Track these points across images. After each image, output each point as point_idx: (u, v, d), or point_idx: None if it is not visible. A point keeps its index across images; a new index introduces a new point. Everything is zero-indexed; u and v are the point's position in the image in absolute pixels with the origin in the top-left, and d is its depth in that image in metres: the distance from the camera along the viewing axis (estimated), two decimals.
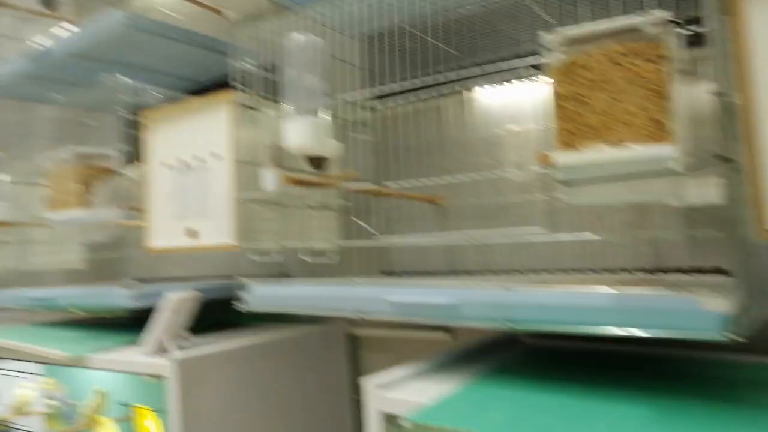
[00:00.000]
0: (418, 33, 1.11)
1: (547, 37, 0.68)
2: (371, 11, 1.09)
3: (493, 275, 1.09)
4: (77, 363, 1.09)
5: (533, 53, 0.86)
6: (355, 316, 0.83)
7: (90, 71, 1.58)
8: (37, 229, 1.69)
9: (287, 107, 0.92)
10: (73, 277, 1.73)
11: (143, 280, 1.24)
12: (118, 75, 1.25)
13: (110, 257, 1.52)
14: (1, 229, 1.67)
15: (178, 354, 0.98)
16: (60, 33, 1.49)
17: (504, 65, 1.00)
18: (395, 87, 1.09)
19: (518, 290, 0.69)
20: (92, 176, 1.23)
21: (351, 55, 1.18)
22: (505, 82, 1.12)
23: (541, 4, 0.99)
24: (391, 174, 1.24)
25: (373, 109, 1.28)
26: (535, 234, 0.99)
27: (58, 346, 1.14)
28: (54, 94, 1.82)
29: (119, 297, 1.13)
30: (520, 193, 1.07)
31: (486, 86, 1.16)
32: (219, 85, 1.68)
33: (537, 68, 0.91)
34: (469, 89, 1.17)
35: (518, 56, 1.00)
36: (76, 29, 1.40)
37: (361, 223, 1.22)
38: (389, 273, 1.29)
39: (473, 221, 1.15)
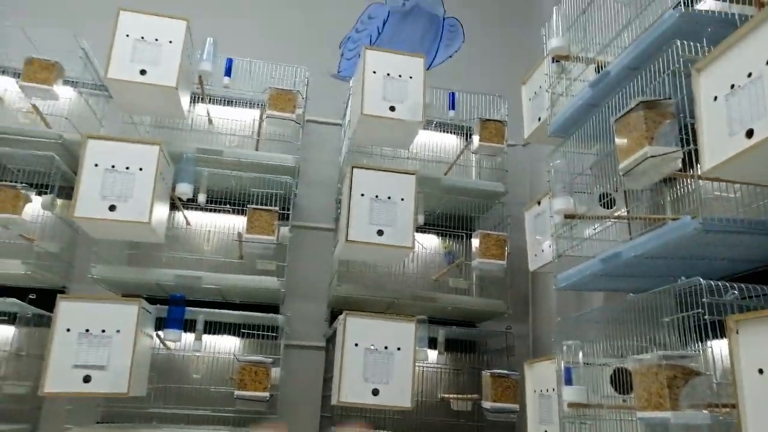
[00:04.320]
0: None
1: None
2: None
3: None
4: None
5: None
6: None
7: (656, 266, 1.70)
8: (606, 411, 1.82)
9: None
10: None
11: None
12: (698, 278, 1.30)
13: None
14: (576, 409, 1.86)
15: None
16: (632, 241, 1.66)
17: None
18: None
19: None
20: (677, 378, 1.27)
21: None
22: None
23: None
24: None
25: None
26: None
27: None
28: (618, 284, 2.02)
29: None
30: None
31: None
32: None
33: None
34: None
35: None
36: (646, 236, 1.55)
37: None
38: None
39: None
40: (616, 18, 2.02)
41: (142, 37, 2.38)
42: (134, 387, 2.05)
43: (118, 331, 2.05)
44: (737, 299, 1.29)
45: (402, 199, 2.42)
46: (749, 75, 1.30)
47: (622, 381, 1.81)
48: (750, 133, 1.27)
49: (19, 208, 2.32)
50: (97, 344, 2.03)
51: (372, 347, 2.15)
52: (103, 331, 2.05)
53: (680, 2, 1.66)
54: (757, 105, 1.27)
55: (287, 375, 2.74)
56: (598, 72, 2.07)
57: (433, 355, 2.71)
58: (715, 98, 1.39)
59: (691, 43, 1.56)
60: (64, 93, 2.68)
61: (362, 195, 2.39)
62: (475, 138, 2.89)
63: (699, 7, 1.73)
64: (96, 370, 2.01)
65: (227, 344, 2.77)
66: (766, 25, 1.28)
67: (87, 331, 2.05)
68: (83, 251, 2.73)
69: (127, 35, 2.37)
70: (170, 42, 2.39)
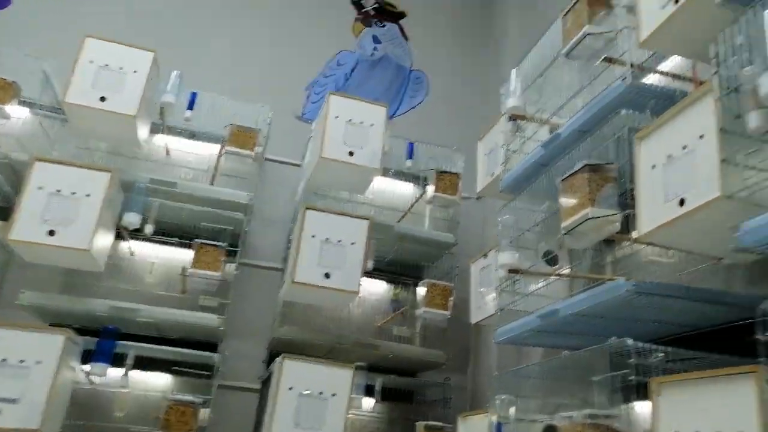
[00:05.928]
0: None
1: None
2: None
3: None
4: None
5: None
6: None
7: (592, 325, 1.73)
8: None
9: None
10: None
11: None
12: (627, 339, 1.32)
13: None
14: None
15: None
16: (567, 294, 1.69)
17: None
18: None
19: None
20: None
21: None
22: None
23: None
24: None
25: None
26: None
27: None
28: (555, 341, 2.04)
29: None
30: None
31: None
32: (719, 332, 1.61)
33: None
34: None
35: None
36: (582, 295, 1.58)
37: None
38: None
39: None
40: (570, 84, 2.11)
41: (107, 65, 2.37)
42: (48, 423, 1.91)
43: (38, 362, 1.93)
44: (662, 362, 1.31)
45: (352, 244, 2.41)
46: (684, 147, 1.36)
47: None
48: (682, 202, 1.32)
49: None
50: (13, 375, 1.90)
51: (306, 392, 2.10)
52: (22, 361, 1.93)
53: (625, 75, 1.75)
54: (689, 176, 1.32)
55: (218, 417, 2.63)
56: (552, 133, 2.15)
57: (368, 403, 2.66)
58: (653, 166, 1.45)
59: (636, 113, 1.64)
60: (18, 113, 2.62)
61: (313, 236, 2.38)
62: (430, 188, 2.93)
63: (645, 80, 1.82)
64: (7, 403, 1.88)
65: (159, 382, 2.66)
66: (701, 103, 1.36)
67: (3, 360, 1.93)
68: (15, 275, 2.61)
69: (91, 61, 2.36)
70: (135, 72, 2.39)
